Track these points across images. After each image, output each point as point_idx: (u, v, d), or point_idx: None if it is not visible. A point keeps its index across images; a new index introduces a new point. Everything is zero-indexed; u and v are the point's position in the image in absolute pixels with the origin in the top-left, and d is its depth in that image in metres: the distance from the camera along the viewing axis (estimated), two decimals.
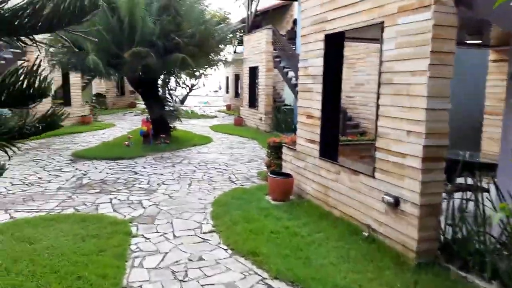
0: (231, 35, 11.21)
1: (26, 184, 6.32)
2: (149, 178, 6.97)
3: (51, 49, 9.02)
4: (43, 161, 8.14)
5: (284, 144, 6.55)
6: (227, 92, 32.06)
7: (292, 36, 14.76)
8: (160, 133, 10.57)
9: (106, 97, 22.38)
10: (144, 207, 5.30)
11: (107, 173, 7.30)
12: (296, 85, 12.36)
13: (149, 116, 10.64)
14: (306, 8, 5.68)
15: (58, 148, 9.78)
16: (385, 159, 3.96)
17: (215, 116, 20.41)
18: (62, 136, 11.71)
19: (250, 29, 16.24)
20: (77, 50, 8.20)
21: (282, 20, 19.14)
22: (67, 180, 6.68)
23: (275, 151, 7.03)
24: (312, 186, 5.46)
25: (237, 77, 25.73)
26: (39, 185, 6.29)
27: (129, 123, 16.19)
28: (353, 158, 6.00)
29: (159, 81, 11.53)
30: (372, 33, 4.65)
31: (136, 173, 7.38)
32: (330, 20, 5.02)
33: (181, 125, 14.30)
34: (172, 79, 23.78)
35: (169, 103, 11.39)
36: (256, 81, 14.63)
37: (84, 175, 7.08)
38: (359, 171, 4.48)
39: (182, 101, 22.08)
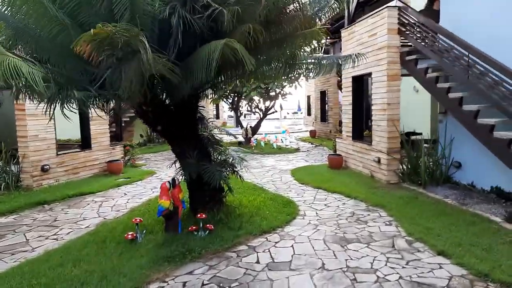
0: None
1: None
2: None
3: None
4: None
5: None
6: (309, 114, 26.73)
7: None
8: (200, 208, 5.42)
9: None
10: None
11: None
12: (461, 101, 6.37)
13: (177, 177, 5.52)
14: None
15: (2, 246, 5.10)
16: None
17: (297, 150, 14.91)
18: (55, 204, 7.22)
19: (351, 23, 10.70)
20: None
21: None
22: None
23: None
24: None
25: (323, 95, 20.12)
26: None
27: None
28: None
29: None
30: None
31: None
32: None
33: (247, 173, 9.04)
34: (244, 104, 18.72)
35: (220, 148, 6.11)
36: (368, 97, 8.89)
37: None
38: None
39: (254, 130, 17.10)
